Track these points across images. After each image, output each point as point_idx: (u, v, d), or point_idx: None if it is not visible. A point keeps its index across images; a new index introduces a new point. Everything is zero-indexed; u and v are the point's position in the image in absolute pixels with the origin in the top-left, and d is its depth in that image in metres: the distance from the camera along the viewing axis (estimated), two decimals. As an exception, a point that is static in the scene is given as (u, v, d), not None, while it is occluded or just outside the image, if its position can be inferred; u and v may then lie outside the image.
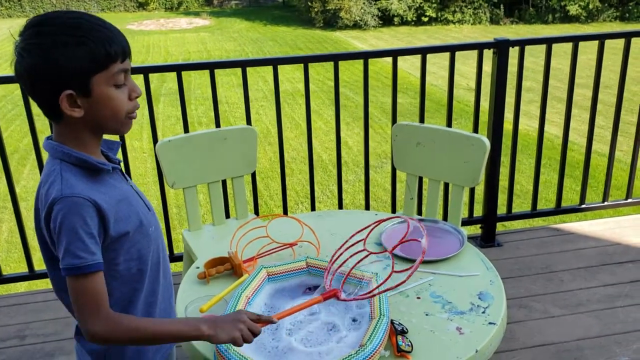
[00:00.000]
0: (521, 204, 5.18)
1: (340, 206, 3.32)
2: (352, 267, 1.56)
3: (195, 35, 19.13)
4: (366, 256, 1.58)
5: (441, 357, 1.38)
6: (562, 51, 3.47)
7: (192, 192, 2.49)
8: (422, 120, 3.06)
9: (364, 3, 18.86)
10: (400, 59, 3.06)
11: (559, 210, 3.50)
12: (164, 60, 14.85)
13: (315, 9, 19.48)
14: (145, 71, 2.82)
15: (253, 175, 2.96)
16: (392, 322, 1.43)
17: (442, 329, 1.46)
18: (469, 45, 3.24)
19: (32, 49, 1.14)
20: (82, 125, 1.21)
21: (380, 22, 19.09)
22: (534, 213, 3.50)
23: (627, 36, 3.15)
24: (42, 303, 2.90)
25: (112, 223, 1.21)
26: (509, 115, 3.09)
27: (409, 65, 11.59)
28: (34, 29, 1.15)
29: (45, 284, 3.39)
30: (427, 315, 1.51)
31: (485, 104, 3.10)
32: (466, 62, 9.09)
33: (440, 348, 1.40)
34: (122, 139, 2.87)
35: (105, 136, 1.31)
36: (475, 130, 3.12)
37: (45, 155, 1.31)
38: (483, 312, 1.52)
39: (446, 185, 3.10)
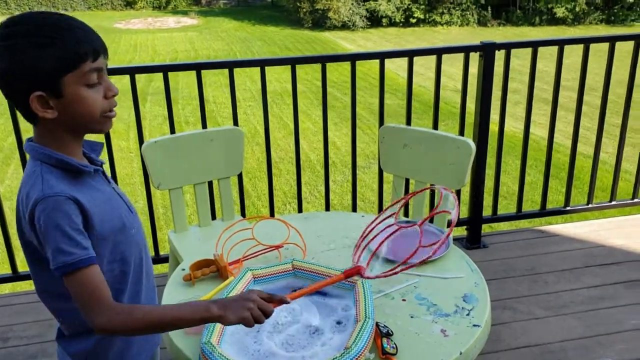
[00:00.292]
0: (507, 206, 5.21)
1: (328, 207, 3.32)
2: (381, 242, 1.54)
3: (183, 34, 19.06)
4: (396, 230, 1.56)
5: (426, 360, 1.38)
6: (548, 54, 3.49)
7: (178, 193, 2.48)
8: (409, 122, 3.07)
9: (352, 4, 18.91)
10: (388, 60, 3.07)
11: (544, 212, 3.53)
12: (151, 59, 14.77)
13: (304, 9, 19.50)
14: (132, 72, 2.81)
15: (240, 176, 2.95)
16: (377, 324, 1.43)
17: (427, 331, 1.46)
18: (456, 48, 3.25)
19: (1, 51, 1.13)
20: (58, 126, 1.20)
21: (369, 23, 19.15)
22: (519, 215, 3.53)
23: (612, 40, 3.19)
24: (25, 305, 2.87)
25: (97, 222, 1.21)
26: (495, 116, 3.11)
27: (397, 67, 11.61)
28: (4, 30, 1.14)
29: (29, 285, 3.35)
30: (412, 317, 1.52)
31: (472, 105, 3.12)
32: (453, 64, 9.13)
33: (425, 350, 1.40)
34: (108, 139, 2.85)
35: (89, 137, 1.30)
36: (462, 131, 3.14)
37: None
38: (467, 315, 1.52)
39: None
